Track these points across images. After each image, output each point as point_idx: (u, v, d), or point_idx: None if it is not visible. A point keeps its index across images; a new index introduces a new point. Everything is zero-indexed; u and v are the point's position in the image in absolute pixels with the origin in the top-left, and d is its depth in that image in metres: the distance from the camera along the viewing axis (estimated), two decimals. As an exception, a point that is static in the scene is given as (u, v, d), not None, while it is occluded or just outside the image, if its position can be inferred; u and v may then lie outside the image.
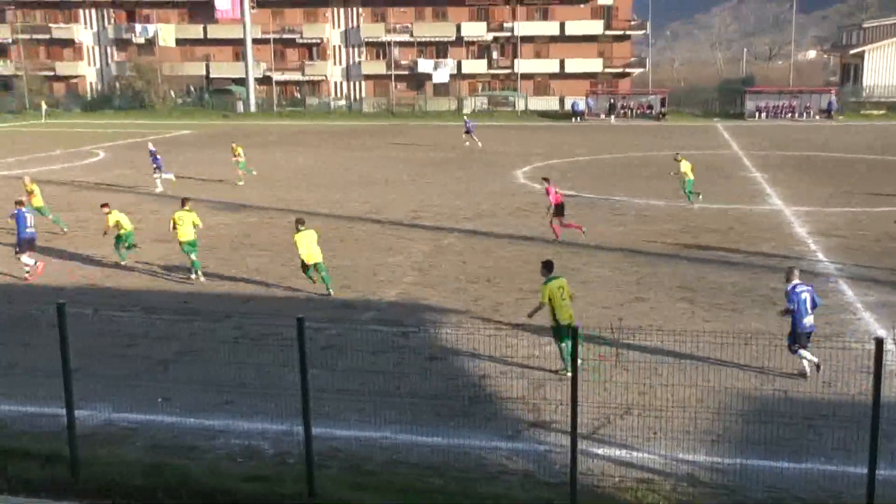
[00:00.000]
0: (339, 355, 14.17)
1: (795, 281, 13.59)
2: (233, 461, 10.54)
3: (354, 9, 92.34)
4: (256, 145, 54.60)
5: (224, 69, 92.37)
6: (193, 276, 20.01)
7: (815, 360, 13.26)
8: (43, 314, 15.01)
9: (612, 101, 78.40)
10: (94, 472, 9.88)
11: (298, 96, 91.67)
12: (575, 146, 52.41)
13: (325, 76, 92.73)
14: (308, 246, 18.61)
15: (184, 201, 20.75)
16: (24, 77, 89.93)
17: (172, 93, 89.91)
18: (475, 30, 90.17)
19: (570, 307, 13.50)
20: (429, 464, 10.43)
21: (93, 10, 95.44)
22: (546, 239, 24.23)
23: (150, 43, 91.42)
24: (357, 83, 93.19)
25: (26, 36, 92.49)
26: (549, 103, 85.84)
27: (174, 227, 20.07)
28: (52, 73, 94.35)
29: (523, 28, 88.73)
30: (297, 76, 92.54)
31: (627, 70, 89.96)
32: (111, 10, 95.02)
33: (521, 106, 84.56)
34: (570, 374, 12.49)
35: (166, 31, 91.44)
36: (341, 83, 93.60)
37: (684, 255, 22.07)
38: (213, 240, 24.47)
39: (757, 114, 74.40)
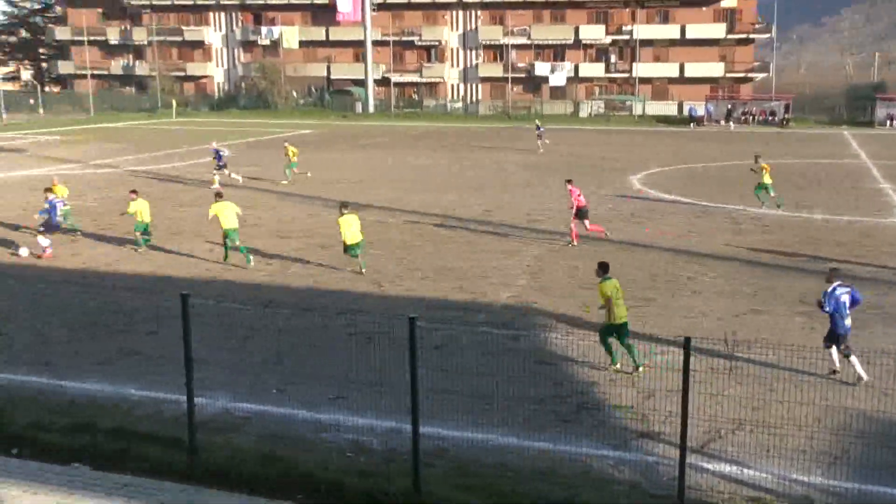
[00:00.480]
0: (450, 356, 14.30)
1: (836, 283, 13.56)
2: (342, 455, 10.76)
3: (473, 11, 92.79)
4: (375, 146, 55.51)
5: (344, 70, 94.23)
6: (251, 262, 21.21)
7: (837, 365, 13.45)
8: (169, 304, 15.65)
9: (729, 106, 76.40)
10: (210, 457, 10.25)
11: (416, 98, 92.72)
12: (692, 152, 51.34)
13: (443, 78, 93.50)
14: (349, 228, 20.38)
15: (217, 195, 22.35)
16: (157, 77, 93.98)
17: (294, 93, 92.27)
18: (593, 33, 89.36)
19: (624, 306, 13.90)
20: (534, 468, 10.43)
21: (222, 14, 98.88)
22: (660, 246, 23.85)
23: (275, 45, 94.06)
24: (474, 85, 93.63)
25: (160, 38, 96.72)
26: (668, 108, 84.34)
27: (216, 218, 21.37)
28: (182, 74, 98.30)
29: (642, 31, 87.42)
30: (414, 78, 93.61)
31: (750, 75, 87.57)
32: (239, 13, 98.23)
33: (638, 110, 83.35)
34: (614, 367, 13.69)
35: (290, 33, 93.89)
36: (458, 85, 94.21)
37: (805, 268, 21.34)
38: (330, 238, 25.02)
39: (888, 122, 71.29)
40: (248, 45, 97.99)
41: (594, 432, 11.52)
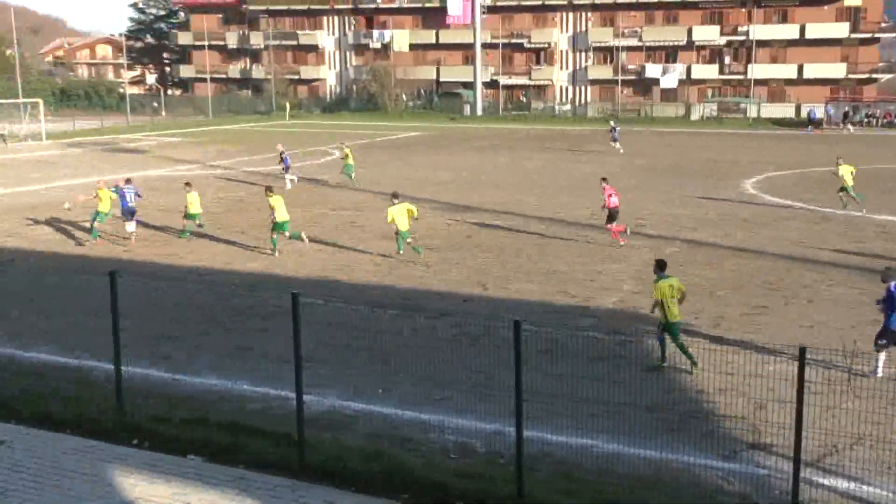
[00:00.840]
0: (555, 360, 14.22)
1: (893, 282, 13.54)
2: (446, 456, 10.83)
3: (583, 13, 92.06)
4: (482, 149, 55.68)
5: (453, 73, 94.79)
6: (305, 243, 23.62)
7: (881, 370, 13.32)
8: (280, 302, 16.05)
9: (847, 109, 73.49)
10: (318, 454, 10.46)
11: (524, 100, 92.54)
12: (809, 156, 49.67)
13: (551, 80, 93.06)
14: (399, 217, 22.27)
15: (268, 189, 24.29)
16: (272, 80, 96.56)
17: (404, 96, 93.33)
18: (707, 34, 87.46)
19: (677, 306, 14.09)
20: (639, 476, 10.27)
21: (335, 18, 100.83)
22: (774, 252, 23.16)
23: (386, 48, 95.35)
24: (583, 88, 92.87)
25: (276, 42, 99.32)
26: (785, 111, 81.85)
27: (273, 210, 23.11)
28: (296, 77, 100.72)
29: (759, 31, 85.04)
30: (523, 80, 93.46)
31: (874, 76, 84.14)
32: (352, 17, 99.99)
33: (752, 113, 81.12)
34: (664, 365, 13.95)
35: (401, 36, 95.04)
36: (567, 87, 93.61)
37: (931, 277, 20.37)
38: (438, 239, 25.22)
39: None
40: (359, 49, 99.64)
41: (702, 442, 11.27)
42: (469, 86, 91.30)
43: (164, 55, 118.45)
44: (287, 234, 23.43)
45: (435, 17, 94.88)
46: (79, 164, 45.60)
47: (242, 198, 33.79)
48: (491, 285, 19.87)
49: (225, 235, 25.96)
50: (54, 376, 13.58)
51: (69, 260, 22.19)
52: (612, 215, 24.24)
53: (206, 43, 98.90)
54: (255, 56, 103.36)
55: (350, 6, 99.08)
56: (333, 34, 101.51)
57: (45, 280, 18.25)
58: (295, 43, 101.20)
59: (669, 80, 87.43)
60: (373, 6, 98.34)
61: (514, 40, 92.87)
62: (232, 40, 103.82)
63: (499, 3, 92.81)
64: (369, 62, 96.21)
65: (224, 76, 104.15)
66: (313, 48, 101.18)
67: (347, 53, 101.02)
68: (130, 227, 24.85)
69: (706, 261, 22.46)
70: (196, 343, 15.34)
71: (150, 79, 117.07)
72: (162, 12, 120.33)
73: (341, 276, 20.73)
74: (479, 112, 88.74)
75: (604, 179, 25.30)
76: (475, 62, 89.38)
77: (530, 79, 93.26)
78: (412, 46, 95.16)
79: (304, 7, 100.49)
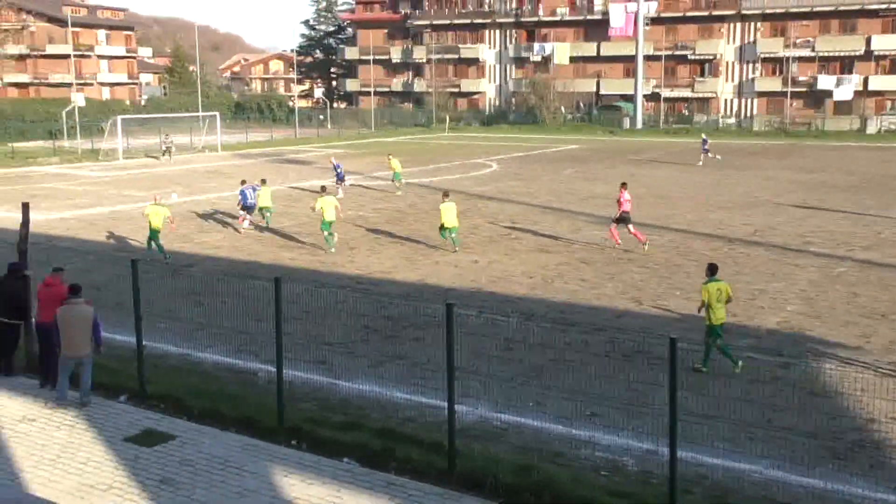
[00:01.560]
0: (712, 380, 13.80)
1: None
2: (596, 473, 10.69)
3: (752, 23, 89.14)
4: (641, 162, 54.76)
5: (613, 86, 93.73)
6: (332, 249, 25.24)
7: None
8: (434, 312, 16.29)
9: None
10: (468, 464, 10.54)
11: (686, 113, 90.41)
12: None
13: (715, 93, 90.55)
14: (448, 214, 24.84)
15: (322, 188, 27.81)
16: (433, 93, 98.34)
17: (563, 108, 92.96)
18: (888, 43, 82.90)
19: (723, 310, 14.43)
20: (801, 506, 9.83)
21: (497, 31, 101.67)
22: (957, 275, 21.66)
23: (546, 61, 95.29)
24: (749, 100, 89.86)
25: (438, 56, 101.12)
26: (974, 123, 76.53)
27: (321, 209, 25.27)
28: (457, 90, 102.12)
29: (946, 40, 79.93)
30: (686, 93, 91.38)
31: None
32: (513, 31, 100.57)
33: (937, 126, 76.27)
34: (705, 370, 14.09)
35: (561, 49, 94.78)
36: (732, 100, 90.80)
37: None
38: (592, 252, 24.99)
39: None
40: (519, 62, 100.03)
41: (872, 473, 10.67)
42: (629, 98, 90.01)
43: (332, 70, 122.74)
44: (325, 233, 25.52)
45: (597, 29, 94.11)
46: (247, 173, 47.90)
47: (400, 208, 34.52)
48: (646, 301, 19.50)
49: (383, 246, 26.60)
50: (222, 376, 14.29)
51: (238, 265, 23.28)
52: (623, 218, 25.08)
53: (371, 57, 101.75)
54: (418, 69, 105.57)
55: (512, 20, 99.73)
56: (494, 47, 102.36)
57: (215, 284, 19.23)
58: (456, 56, 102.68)
59: (844, 92, 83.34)
60: (534, 19, 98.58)
61: (677, 52, 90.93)
62: (396, 55, 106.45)
63: (663, 15, 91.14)
64: (529, 75, 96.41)
65: (387, 89, 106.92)
66: (474, 61, 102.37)
67: (507, 66, 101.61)
68: (247, 224, 29.13)
69: (880, 282, 21.26)
70: (353, 349, 15.77)
71: (318, 92, 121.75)
72: (331, 28, 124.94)
73: (495, 288, 20.84)
74: (639, 125, 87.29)
75: (623, 185, 25.85)
76: (636, 74, 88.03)
77: (693, 91, 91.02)
78: (572, 59, 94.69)
79: (467, 21, 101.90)
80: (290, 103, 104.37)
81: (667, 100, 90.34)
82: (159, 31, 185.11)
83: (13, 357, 14.31)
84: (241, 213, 29.18)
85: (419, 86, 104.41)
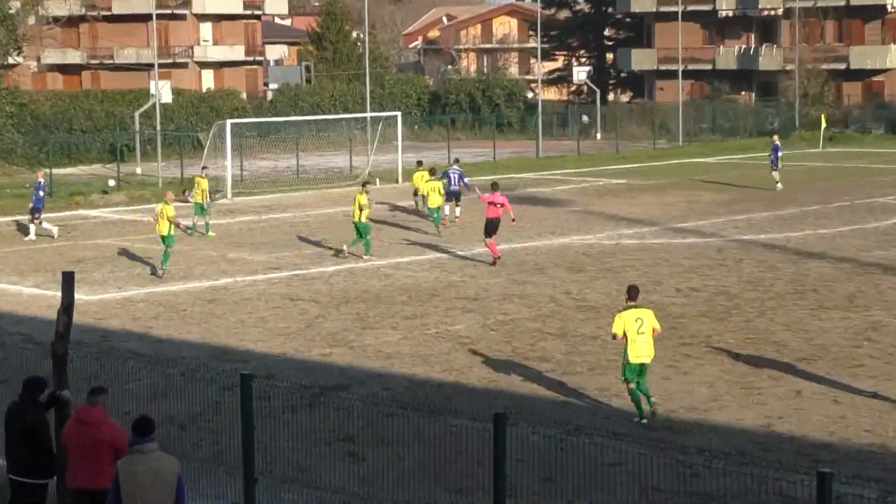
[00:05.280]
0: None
1: None
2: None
3: None
4: None
5: None
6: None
7: None
8: None
9: None
10: None
11: None
12: None
13: None
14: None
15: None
16: (796, 72, 69.73)
17: None
18: None
19: (647, 344, 12.21)
20: None
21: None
22: None
23: None
24: None
25: (807, 3, 65.52)
26: None
27: (360, 209, 22.70)
28: (841, 67, 59.99)
29: None
30: None
31: None
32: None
33: None
34: (644, 421, 12.08)
35: None
36: None
37: None
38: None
39: None
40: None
41: None
42: None
43: (605, 34, 76.24)
44: (356, 240, 22.97)
45: None
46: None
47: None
48: None
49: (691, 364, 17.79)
50: None
51: (426, 387, 16.15)
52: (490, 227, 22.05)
53: (678, 8, 57.09)
54: (766, 29, 64.82)
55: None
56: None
57: (385, 423, 11.23)
58: (842, 2, 60.45)
59: None
60: None
61: None
62: (726, 2, 63.03)
63: None
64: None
65: (707, 68, 64.59)
66: (878, 11, 60.22)
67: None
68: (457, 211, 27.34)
69: None
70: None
71: (579, 74, 60.98)
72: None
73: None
74: None
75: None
76: None
77: None
78: None
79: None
80: (530, 93, 66.29)
81: None
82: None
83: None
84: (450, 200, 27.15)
85: (769, 60, 62.85)
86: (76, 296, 10.13)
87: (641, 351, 12.11)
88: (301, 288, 20.50)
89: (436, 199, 25.55)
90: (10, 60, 48.89)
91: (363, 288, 20.51)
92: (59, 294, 9.62)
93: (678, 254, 23.97)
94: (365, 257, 22.81)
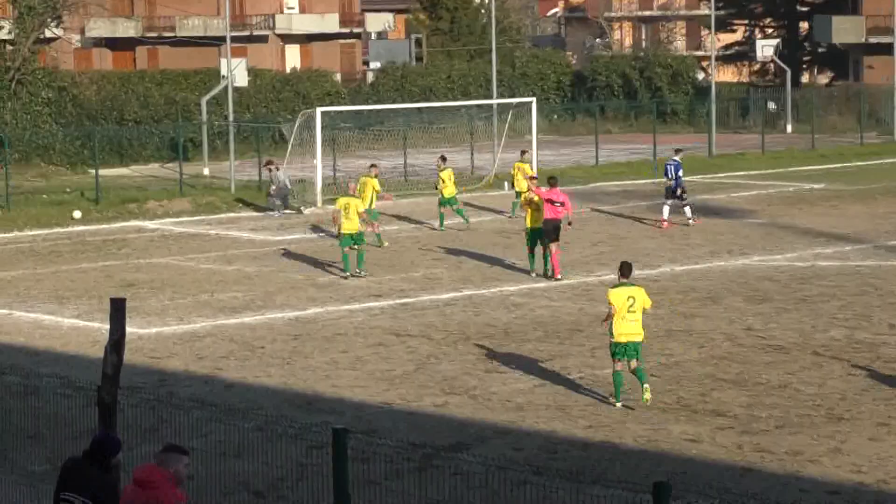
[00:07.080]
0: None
1: None
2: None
3: None
4: None
5: None
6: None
7: None
8: None
9: None
10: None
11: None
12: None
13: None
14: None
15: (441, 158, 26.26)
16: None
17: None
18: None
19: (636, 323, 12.49)
20: None
21: None
22: None
23: None
24: None
25: None
26: None
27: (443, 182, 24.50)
28: None
29: None
30: None
31: None
32: None
33: None
34: (618, 405, 12.75)
35: None
36: None
37: None
38: None
39: None
40: None
41: None
42: None
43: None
44: (454, 208, 25.00)
45: None
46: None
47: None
48: None
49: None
50: None
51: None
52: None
53: None
54: None
55: None
56: None
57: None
58: None
59: None
60: None
61: None
62: None
63: None
64: None
65: None
66: None
67: None
68: (665, 211, 25.23)
69: None
70: None
71: (764, 49, 49.08)
72: None
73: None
74: None
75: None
76: None
77: None
78: None
79: None
80: (700, 74, 57.27)
81: None
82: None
83: None
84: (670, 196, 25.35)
85: None
86: (128, 329, 8.72)
87: (628, 329, 12.39)
88: (409, 320, 17.63)
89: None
90: (48, 33, 40.76)
91: (487, 321, 17.57)
92: (107, 326, 8.55)
93: (892, 280, 20.13)
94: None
